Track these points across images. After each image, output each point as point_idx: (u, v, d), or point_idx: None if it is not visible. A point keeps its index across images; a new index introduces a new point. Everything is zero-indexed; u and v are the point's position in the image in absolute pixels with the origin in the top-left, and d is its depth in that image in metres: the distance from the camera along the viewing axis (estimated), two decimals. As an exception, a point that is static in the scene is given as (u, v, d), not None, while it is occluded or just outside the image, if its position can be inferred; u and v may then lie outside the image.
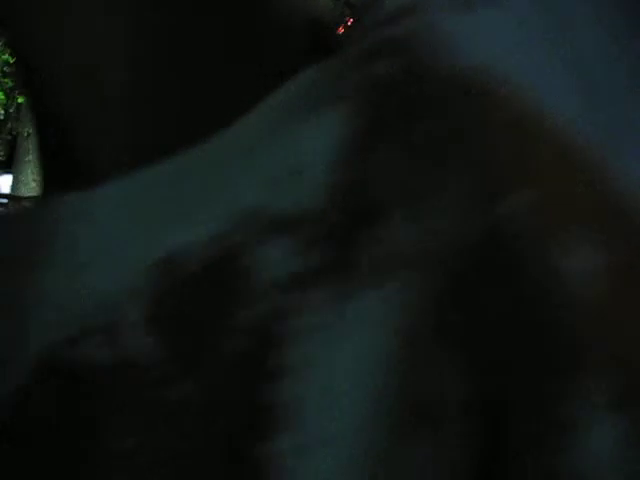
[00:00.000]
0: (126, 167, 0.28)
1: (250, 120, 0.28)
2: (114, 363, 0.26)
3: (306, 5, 0.34)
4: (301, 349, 0.25)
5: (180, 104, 0.30)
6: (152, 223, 0.27)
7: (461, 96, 0.27)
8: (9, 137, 9.88)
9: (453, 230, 0.25)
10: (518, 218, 0.25)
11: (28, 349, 0.26)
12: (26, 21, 0.30)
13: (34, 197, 7.44)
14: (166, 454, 0.25)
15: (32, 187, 8.88)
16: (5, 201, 6.36)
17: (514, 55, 0.28)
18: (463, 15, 0.29)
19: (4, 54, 7.97)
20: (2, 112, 8.85)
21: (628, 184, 0.26)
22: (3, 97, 8.40)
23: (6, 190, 9.99)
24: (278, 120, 0.28)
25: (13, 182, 9.09)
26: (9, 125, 9.64)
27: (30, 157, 8.90)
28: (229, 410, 0.25)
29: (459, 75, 0.27)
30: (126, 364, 0.25)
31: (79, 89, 0.30)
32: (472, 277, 0.25)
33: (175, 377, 0.25)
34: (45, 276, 0.27)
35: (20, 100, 8.20)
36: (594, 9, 0.29)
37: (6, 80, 8.15)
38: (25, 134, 8.87)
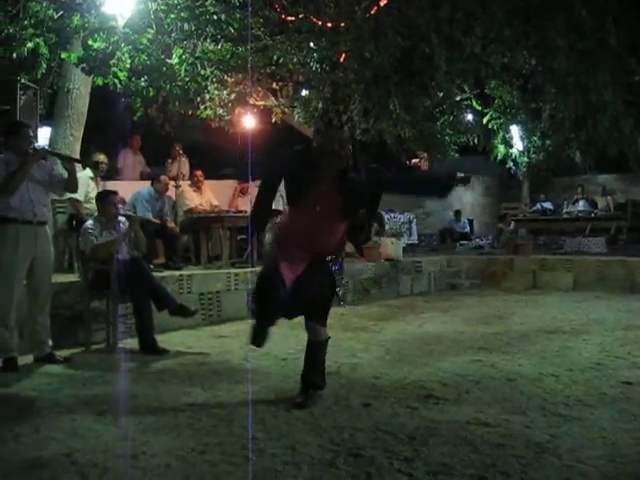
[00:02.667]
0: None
1: None
2: None
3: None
4: None
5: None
6: None
7: None
8: (50, 91, 10.01)
9: None
10: None
11: None
12: None
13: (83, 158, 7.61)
14: None
15: (70, 141, 9.06)
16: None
17: None
18: None
19: (50, 10, 8.08)
20: (44, 66, 8.95)
21: None
22: (47, 52, 8.50)
23: (44, 142, 10.18)
24: None
25: (52, 135, 9.28)
26: (51, 79, 9.76)
27: (69, 112, 9.06)
28: None
29: None
30: None
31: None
32: None
33: None
34: None
35: (63, 55, 8.31)
36: None
37: (51, 35, 8.24)
38: (65, 89, 9.02)
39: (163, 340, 6.79)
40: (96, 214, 6.99)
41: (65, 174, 6.09)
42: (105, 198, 6.92)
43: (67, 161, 6.16)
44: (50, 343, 5.96)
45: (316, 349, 4.55)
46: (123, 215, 7.06)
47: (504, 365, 5.74)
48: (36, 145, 6.29)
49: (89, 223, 6.78)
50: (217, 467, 3.30)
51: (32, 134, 6.13)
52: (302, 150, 4.61)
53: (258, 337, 4.40)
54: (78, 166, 8.97)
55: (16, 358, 5.68)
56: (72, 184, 6.14)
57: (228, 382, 5.17)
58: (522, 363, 5.82)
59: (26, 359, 5.88)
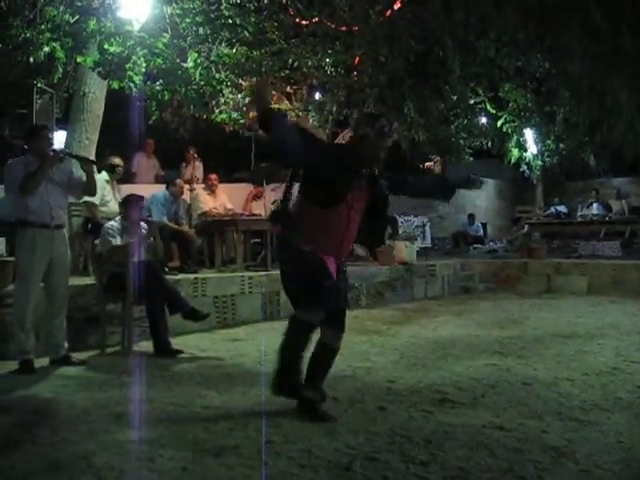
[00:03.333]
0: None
1: None
2: None
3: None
4: None
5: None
6: None
7: None
8: (66, 95, 10.05)
9: None
10: None
11: None
12: None
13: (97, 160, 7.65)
14: None
15: (85, 144, 9.10)
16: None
17: None
18: None
19: (66, 14, 8.14)
20: (61, 70, 9.01)
21: None
22: (63, 56, 8.56)
23: (60, 146, 10.23)
24: None
25: (67, 138, 9.33)
26: (67, 83, 9.81)
27: (85, 116, 9.11)
28: None
29: None
30: None
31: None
32: None
33: None
34: None
35: (79, 60, 8.36)
36: None
37: (67, 39, 8.29)
38: (81, 93, 9.07)
39: (177, 343, 6.81)
40: (119, 217, 7.03)
41: (84, 177, 6.12)
42: (131, 202, 6.95)
43: (85, 163, 6.19)
44: (66, 345, 5.99)
45: (332, 357, 4.38)
46: (145, 221, 7.09)
47: (519, 369, 5.73)
48: (55, 147, 6.33)
49: (110, 224, 6.81)
50: (233, 470, 3.31)
51: (51, 136, 6.19)
52: (343, 152, 4.34)
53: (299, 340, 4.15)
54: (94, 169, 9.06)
55: (32, 360, 5.71)
56: (91, 187, 6.17)
57: (243, 385, 5.18)
58: (537, 367, 5.80)
59: (42, 361, 5.92)
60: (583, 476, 3.22)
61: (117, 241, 6.60)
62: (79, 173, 6.31)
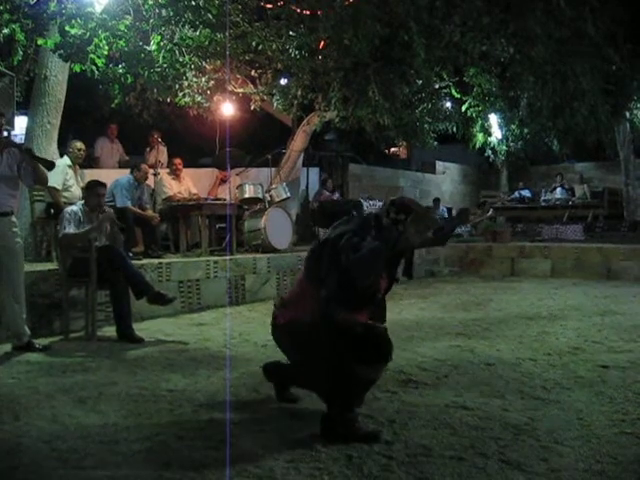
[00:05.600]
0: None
1: None
2: None
3: None
4: None
5: None
6: None
7: None
8: (27, 79, 9.89)
9: None
10: None
11: None
12: None
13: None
14: None
15: (47, 129, 8.97)
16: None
17: None
18: None
19: (26, -4, 8.00)
20: (21, 53, 8.86)
21: None
22: (23, 38, 8.41)
23: (21, 131, 10.09)
24: None
25: (28, 122, 9.19)
26: (27, 67, 9.66)
27: (46, 99, 8.98)
28: None
29: None
30: None
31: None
32: None
33: None
34: None
35: (40, 42, 8.22)
36: None
37: (27, 21, 8.15)
38: (42, 76, 8.93)
39: (143, 328, 6.78)
40: (80, 202, 6.94)
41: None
42: (92, 188, 6.86)
43: (31, 158, 5.97)
44: (28, 332, 5.93)
45: None
46: (102, 208, 6.98)
47: (483, 350, 5.79)
48: (11, 133, 6.20)
49: (70, 209, 6.71)
50: (198, 452, 3.31)
51: (4, 122, 6.03)
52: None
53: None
54: (56, 154, 8.95)
55: (-6, 347, 5.66)
56: (41, 178, 6.05)
57: (208, 369, 5.17)
58: (500, 348, 5.87)
59: (5, 348, 5.86)
60: (544, 452, 3.27)
61: (70, 228, 6.49)
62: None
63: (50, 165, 5.98)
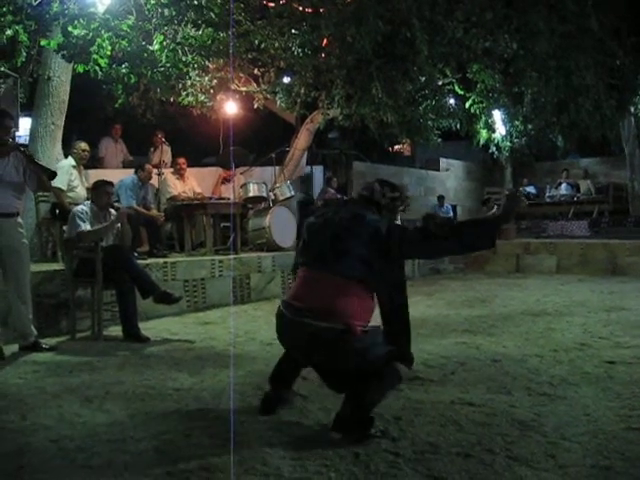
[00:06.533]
0: None
1: None
2: None
3: None
4: None
5: None
6: None
7: None
8: (30, 80, 9.90)
9: None
10: None
11: None
12: None
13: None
14: None
15: (51, 129, 8.99)
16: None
17: None
18: None
19: (29, -3, 8.00)
20: (24, 54, 8.87)
21: None
22: (26, 39, 8.42)
23: (26, 132, 10.10)
24: None
25: (33, 124, 9.21)
26: (30, 68, 9.66)
27: (50, 100, 8.99)
28: None
29: None
30: None
31: None
32: None
33: None
34: None
35: (43, 43, 8.23)
36: None
37: (30, 22, 8.16)
38: (46, 77, 8.94)
39: (148, 327, 6.80)
40: (88, 202, 6.96)
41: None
42: (100, 187, 6.88)
43: (33, 164, 5.97)
44: (35, 332, 5.94)
45: None
46: (113, 207, 7.01)
47: (489, 347, 5.79)
48: (15, 135, 6.20)
49: (80, 207, 6.73)
50: (205, 450, 3.31)
51: (12, 125, 6.03)
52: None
53: None
54: (60, 155, 8.96)
55: (1, 347, 5.66)
56: (42, 185, 6.08)
57: (214, 367, 5.18)
58: (507, 345, 5.87)
59: (12, 348, 5.87)
60: (551, 448, 3.26)
61: (86, 226, 6.53)
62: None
63: (51, 174, 5.99)
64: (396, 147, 23.89)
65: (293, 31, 10.21)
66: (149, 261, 8.17)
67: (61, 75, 8.97)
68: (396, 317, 3.94)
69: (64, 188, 8.35)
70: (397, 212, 3.95)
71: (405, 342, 4.02)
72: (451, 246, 3.76)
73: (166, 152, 12.11)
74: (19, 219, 5.91)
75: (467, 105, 13.73)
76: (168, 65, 8.79)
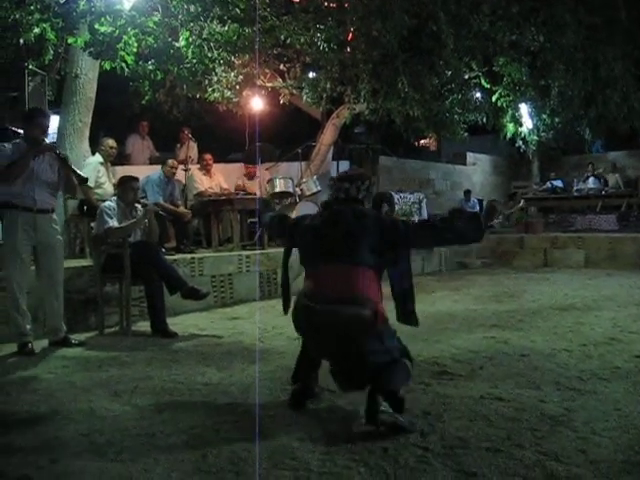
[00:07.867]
0: None
1: None
2: None
3: None
4: None
5: None
6: None
7: None
8: (58, 78, 9.97)
9: None
10: None
11: None
12: None
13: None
14: None
15: (79, 127, 9.06)
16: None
17: None
18: None
19: (57, -6, 8.05)
20: (52, 52, 8.93)
21: None
22: (54, 37, 8.47)
23: (53, 130, 10.18)
24: None
25: (60, 121, 9.28)
26: (58, 65, 9.73)
27: (77, 98, 9.06)
28: None
29: None
30: None
31: None
32: None
33: None
34: None
35: (70, 41, 8.28)
36: None
37: (57, 20, 8.21)
38: (73, 75, 9.01)
39: (176, 322, 6.83)
40: (115, 197, 7.01)
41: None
42: (126, 183, 6.93)
43: (65, 167, 6.02)
44: (64, 327, 6.00)
45: None
46: (139, 203, 7.06)
47: (517, 341, 5.75)
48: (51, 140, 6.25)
49: (107, 204, 6.78)
50: (234, 444, 3.32)
51: (47, 123, 6.07)
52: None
53: None
54: (88, 152, 9.03)
55: (31, 342, 5.72)
56: (70, 188, 6.14)
57: (242, 362, 5.19)
58: (535, 339, 5.83)
59: (42, 343, 5.93)
60: (581, 443, 3.24)
61: (114, 222, 6.57)
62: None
63: (82, 180, 6.06)
64: (422, 141, 23.77)
65: (318, 26, 10.18)
66: (177, 257, 8.21)
67: (88, 72, 9.04)
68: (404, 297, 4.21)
69: (92, 185, 8.41)
70: (372, 194, 4.21)
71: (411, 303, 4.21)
72: (447, 236, 3.99)
73: (192, 148, 12.15)
74: (54, 215, 5.99)
75: (494, 99, 13.63)
76: (194, 61, 8.83)
